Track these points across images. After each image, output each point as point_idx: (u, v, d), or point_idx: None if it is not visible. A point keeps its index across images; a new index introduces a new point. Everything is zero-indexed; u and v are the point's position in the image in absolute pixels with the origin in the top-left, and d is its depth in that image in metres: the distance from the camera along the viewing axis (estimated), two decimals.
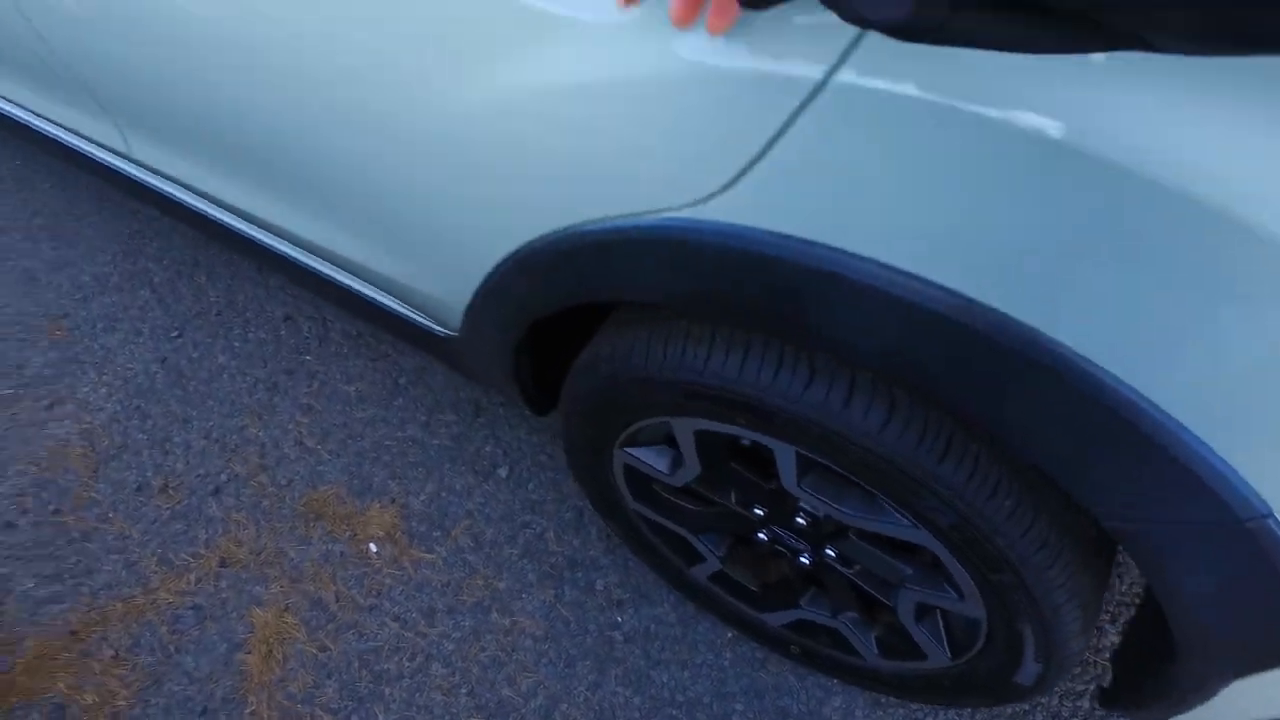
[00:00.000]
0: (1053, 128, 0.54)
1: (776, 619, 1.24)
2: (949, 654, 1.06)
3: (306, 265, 1.30)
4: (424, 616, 1.45)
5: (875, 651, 1.15)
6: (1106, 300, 0.59)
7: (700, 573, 1.27)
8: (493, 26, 0.76)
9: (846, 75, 0.59)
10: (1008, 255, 0.61)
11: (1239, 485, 0.61)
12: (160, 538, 1.57)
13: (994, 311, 0.63)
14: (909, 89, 0.58)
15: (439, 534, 1.53)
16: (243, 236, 1.36)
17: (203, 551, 1.55)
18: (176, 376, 1.79)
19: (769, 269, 0.71)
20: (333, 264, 1.26)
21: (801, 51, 0.61)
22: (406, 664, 1.41)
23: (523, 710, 1.35)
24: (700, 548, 1.21)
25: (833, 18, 0.48)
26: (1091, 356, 0.61)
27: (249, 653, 1.43)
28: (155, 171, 1.40)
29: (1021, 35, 0.44)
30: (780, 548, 1.12)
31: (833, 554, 1.06)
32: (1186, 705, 0.85)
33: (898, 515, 0.90)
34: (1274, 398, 0.57)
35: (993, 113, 0.56)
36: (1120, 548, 0.88)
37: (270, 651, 1.43)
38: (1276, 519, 0.62)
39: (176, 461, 1.66)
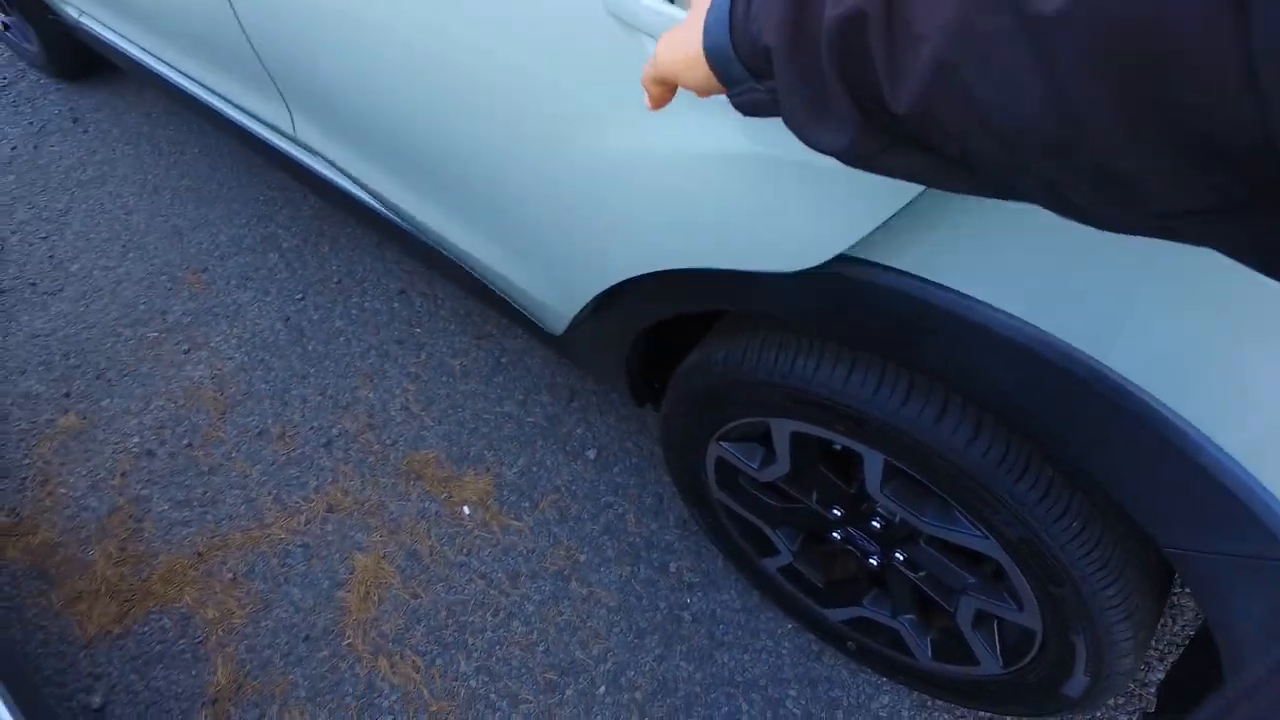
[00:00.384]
0: None
1: (838, 615, 1.34)
2: (1001, 662, 1.14)
3: (432, 245, 1.44)
4: (509, 577, 1.58)
5: (929, 654, 1.24)
6: (1183, 352, 0.68)
7: (771, 564, 1.37)
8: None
9: None
10: (1114, 311, 0.70)
11: None
12: (276, 480, 1.73)
13: (1093, 362, 0.72)
14: None
15: (528, 504, 1.67)
16: (379, 216, 1.51)
17: (312, 496, 1.70)
18: (298, 335, 1.96)
19: (916, 310, 0.80)
20: (455, 255, 1.40)
21: None
22: (490, 619, 1.54)
23: (593, 672, 1.47)
24: (775, 540, 1.31)
25: None
26: (1166, 400, 0.70)
27: (349, 591, 1.58)
28: (313, 152, 1.56)
29: (944, 178, 0.49)
30: (851, 547, 1.22)
31: (901, 557, 1.15)
32: None
33: (970, 525, 0.99)
34: None
35: None
36: (1178, 578, 0.97)
37: (368, 593, 1.58)
38: None
39: (294, 413, 1.83)
